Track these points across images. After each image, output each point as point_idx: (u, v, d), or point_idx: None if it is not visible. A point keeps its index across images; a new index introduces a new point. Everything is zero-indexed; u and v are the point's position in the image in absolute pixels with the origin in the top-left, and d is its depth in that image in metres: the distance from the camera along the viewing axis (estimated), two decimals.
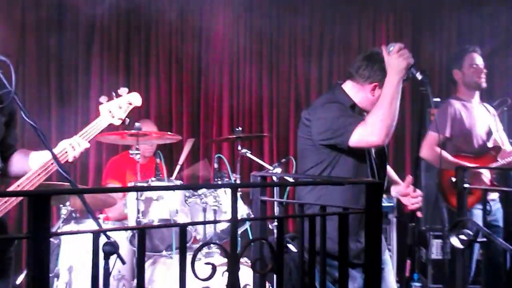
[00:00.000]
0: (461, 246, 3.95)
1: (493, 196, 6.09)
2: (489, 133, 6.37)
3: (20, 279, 5.47)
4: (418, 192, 4.25)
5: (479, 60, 6.37)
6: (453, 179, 6.11)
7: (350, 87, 4.38)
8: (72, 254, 5.56)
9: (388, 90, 4.00)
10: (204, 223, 5.81)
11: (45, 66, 7.60)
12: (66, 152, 3.74)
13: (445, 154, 6.10)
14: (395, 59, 4.04)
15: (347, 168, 4.16)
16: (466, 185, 4.45)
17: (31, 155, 3.83)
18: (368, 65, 4.35)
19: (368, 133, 3.97)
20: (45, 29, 7.60)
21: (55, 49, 7.64)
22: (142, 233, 2.16)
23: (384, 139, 3.97)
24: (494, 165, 6.18)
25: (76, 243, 5.57)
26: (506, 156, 6.23)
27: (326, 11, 8.68)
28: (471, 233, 3.94)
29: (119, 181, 6.82)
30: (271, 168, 6.20)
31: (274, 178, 5.74)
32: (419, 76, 4.03)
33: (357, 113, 4.27)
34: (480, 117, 6.34)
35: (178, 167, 6.66)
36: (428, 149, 6.11)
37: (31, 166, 3.75)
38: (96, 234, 2.09)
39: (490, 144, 6.35)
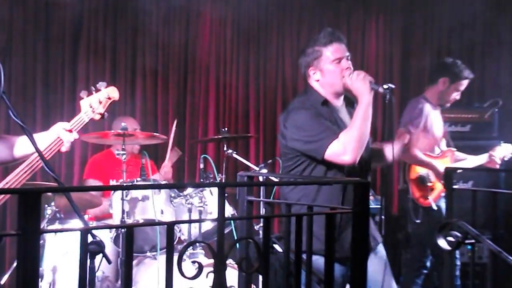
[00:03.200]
0: (448, 248, 4.00)
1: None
2: (442, 137, 6.70)
3: (4, 279, 5.50)
4: None
5: (463, 87, 6.57)
6: (420, 175, 6.39)
7: (314, 82, 4.48)
8: (56, 254, 5.59)
9: (360, 111, 4.20)
10: (192, 221, 5.86)
11: (32, 64, 7.59)
12: (60, 140, 3.79)
13: (423, 156, 6.32)
14: (358, 83, 4.26)
15: (324, 171, 4.27)
16: (455, 186, 4.51)
17: (18, 140, 3.86)
18: (301, 56, 4.57)
19: (341, 152, 4.13)
20: (32, 27, 7.61)
21: (42, 47, 7.64)
22: (129, 232, 2.20)
23: (356, 158, 4.15)
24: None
25: (60, 243, 5.60)
26: (459, 161, 6.64)
27: (315, 12, 8.70)
28: (459, 234, 3.99)
29: (100, 179, 6.83)
30: (257, 168, 6.24)
31: (261, 178, 5.78)
32: (381, 90, 4.28)
33: (330, 105, 4.41)
34: (439, 121, 6.64)
35: (168, 152, 6.69)
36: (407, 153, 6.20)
37: (21, 151, 3.80)
38: (84, 233, 2.13)
39: (443, 147, 6.69)
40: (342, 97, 4.50)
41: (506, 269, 4.77)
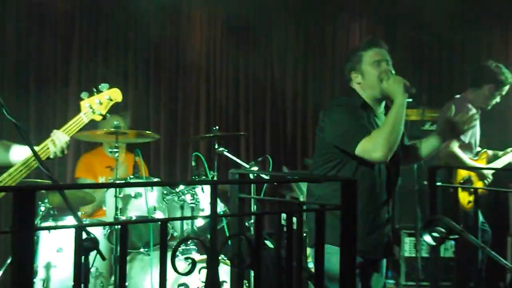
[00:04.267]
0: (433, 243, 4.01)
1: None
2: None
3: None
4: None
5: (505, 92, 6.61)
6: (466, 178, 6.44)
7: (356, 85, 4.56)
8: (50, 251, 5.56)
9: (393, 111, 4.24)
10: (185, 218, 5.85)
11: (25, 63, 7.55)
12: (47, 148, 3.77)
13: (462, 154, 6.34)
14: (394, 85, 4.29)
15: (354, 170, 4.28)
16: (438, 184, 4.52)
17: (13, 148, 3.85)
18: (345, 62, 4.63)
19: (371, 149, 4.16)
20: (25, 26, 7.57)
21: (34, 46, 7.60)
22: (124, 229, 2.18)
23: (386, 156, 4.17)
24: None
25: (54, 240, 5.58)
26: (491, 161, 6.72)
27: (302, 14, 8.71)
28: (443, 230, 4.00)
29: (91, 177, 6.81)
30: (247, 166, 6.24)
31: (251, 176, 5.78)
32: (413, 91, 4.29)
33: (370, 110, 4.46)
34: (477, 123, 6.66)
35: None
36: (449, 151, 6.31)
37: (13, 158, 3.78)
38: (78, 229, 2.11)
39: (477, 148, 6.76)
40: (382, 104, 4.55)
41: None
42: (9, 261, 5.51)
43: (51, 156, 3.82)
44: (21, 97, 7.39)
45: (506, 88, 6.54)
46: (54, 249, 5.57)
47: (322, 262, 2.66)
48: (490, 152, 6.82)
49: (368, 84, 4.44)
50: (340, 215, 2.63)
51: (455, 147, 6.30)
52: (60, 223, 5.67)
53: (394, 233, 7.53)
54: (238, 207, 3.07)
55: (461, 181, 6.52)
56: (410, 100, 4.38)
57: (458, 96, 6.79)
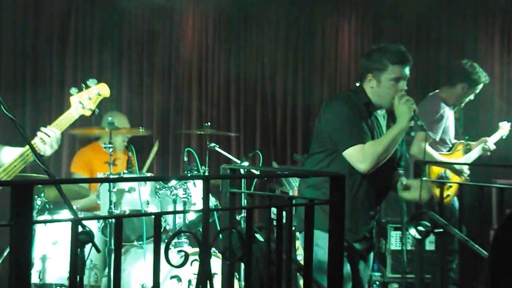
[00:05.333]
0: (419, 237, 4.04)
1: None
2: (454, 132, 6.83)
3: None
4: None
5: (478, 91, 6.73)
6: (440, 174, 6.52)
7: (368, 87, 4.49)
8: (46, 243, 5.58)
9: (394, 132, 4.26)
10: (179, 212, 5.87)
11: (21, 60, 7.54)
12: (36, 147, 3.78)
13: (433, 152, 6.40)
14: (404, 107, 4.27)
15: (344, 163, 4.28)
16: (424, 178, 4.54)
17: (3, 151, 3.85)
18: (364, 57, 4.58)
19: (359, 159, 4.20)
20: (21, 23, 7.55)
21: (30, 43, 7.59)
22: (119, 222, 2.19)
23: (370, 170, 4.21)
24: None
25: (50, 233, 5.59)
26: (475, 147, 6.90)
27: (292, 12, 8.73)
28: (428, 224, 4.03)
29: (87, 172, 6.82)
30: (239, 161, 6.26)
31: (242, 171, 5.80)
32: (419, 123, 4.29)
33: (372, 109, 4.45)
34: (452, 119, 6.76)
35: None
36: (418, 146, 6.32)
37: (3, 160, 3.79)
38: (74, 223, 2.12)
39: (453, 141, 6.83)
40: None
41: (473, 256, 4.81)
42: (6, 253, 5.52)
43: (42, 153, 3.82)
44: (17, 95, 7.38)
45: (479, 87, 6.63)
46: (50, 241, 5.58)
47: (311, 254, 2.67)
48: (464, 142, 6.92)
49: (381, 94, 4.40)
50: (329, 210, 2.64)
51: (425, 145, 6.30)
52: (55, 217, 5.68)
53: (380, 227, 7.64)
54: (230, 202, 3.09)
55: (436, 178, 6.59)
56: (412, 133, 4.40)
57: (431, 93, 6.92)
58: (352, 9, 8.98)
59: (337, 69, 8.89)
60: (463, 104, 6.79)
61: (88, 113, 4.03)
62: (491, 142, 6.96)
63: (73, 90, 4.02)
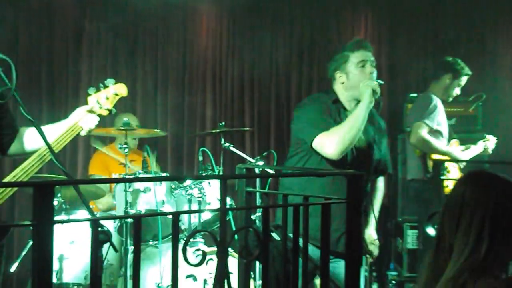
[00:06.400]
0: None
1: None
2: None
3: (14, 267, 5.52)
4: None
5: (463, 83, 6.94)
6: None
7: (339, 85, 4.64)
8: (63, 243, 5.63)
9: (355, 112, 4.32)
10: (196, 211, 5.91)
11: (37, 62, 7.60)
12: (78, 125, 3.82)
13: (432, 139, 6.49)
14: (364, 87, 4.37)
15: (317, 163, 4.36)
16: (442, 177, 4.57)
17: (26, 134, 3.90)
18: (329, 61, 4.79)
19: (325, 144, 4.25)
20: (36, 26, 7.61)
21: (46, 45, 7.65)
22: (137, 222, 2.22)
23: (338, 153, 4.25)
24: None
25: (67, 233, 5.64)
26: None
27: (306, 9, 8.73)
28: None
29: (105, 173, 6.88)
30: (253, 161, 6.28)
31: (257, 170, 5.83)
32: (377, 97, 4.37)
33: (341, 106, 4.55)
34: (444, 115, 6.88)
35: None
36: (416, 135, 6.56)
37: (26, 146, 3.85)
38: (93, 222, 2.15)
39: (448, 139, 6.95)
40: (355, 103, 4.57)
41: None
42: (24, 252, 5.57)
43: (83, 133, 3.88)
44: (33, 97, 7.43)
45: (463, 78, 6.85)
46: (67, 241, 5.65)
47: (327, 253, 2.70)
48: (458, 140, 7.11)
49: (352, 84, 4.51)
50: (346, 208, 2.67)
51: (423, 132, 6.51)
52: (72, 217, 5.73)
53: (396, 225, 7.66)
54: (246, 201, 3.11)
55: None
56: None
57: (421, 93, 7.21)
58: (367, 5, 8.98)
59: None
60: (450, 99, 6.94)
61: (105, 112, 4.05)
62: (492, 141, 7.11)
63: (91, 90, 4.05)
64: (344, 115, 4.49)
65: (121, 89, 4.12)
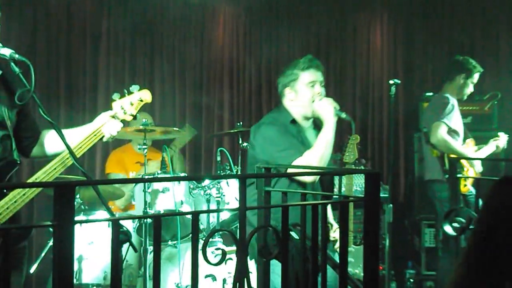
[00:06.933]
0: (454, 234, 4.04)
1: None
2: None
3: (33, 268, 5.54)
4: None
5: (476, 81, 6.97)
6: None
7: (288, 101, 4.73)
8: (82, 244, 5.65)
9: (323, 135, 4.46)
10: (216, 211, 5.92)
11: (55, 65, 7.60)
12: (101, 131, 3.83)
13: (451, 140, 6.51)
14: (324, 108, 4.51)
15: (287, 185, 4.40)
16: (459, 175, 4.57)
17: (47, 137, 3.91)
18: (280, 76, 4.87)
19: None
20: (55, 29, 7.62)
21: (64, 49, 7.66)
22: (157, 222, 2.23)
23: (315, 179, 4.42)
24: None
25: (86, 234, 5.66)
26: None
27: (323, 11, 8.72)
28: (463, 220, 4.03)
29: (122, 171, 6.90)
30: None
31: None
32: (343, 116, 4.56)
33: (298, 125, 4.67)
34: (459, 114, 6.89)
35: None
36: (436, 136, 6.59)
37: (47, 149, 3.87)
38: (114, 222, 2.16)
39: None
40: (311, 120, 4.73)
41: None
42: (43, 253, 5.60)
43: (104, 139, 3.89)
44: (52, 98, 7.45)
45: (476, 76, 6.89)
46: (86, 242, 5.66)
47: (346, 251, 2.70)
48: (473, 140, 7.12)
49: (301, 103, 4.62)
50: (364, 206, 2.66)
51: (443, 132, 6.55)
52: (90, 217, 5.75)
53: (414, 224, 7.66)
54: (265, 200, 3.12)
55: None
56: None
57: (436, 94, 7.20)
58: (383, 6, 8.96)
59: (369, 67, 8.87)
60: (465, 97, 6.98)
61: (129, 118, 4.05)
62: (503, 138, 7.10)
63: (115, 96, 4.05)
64: (304, 134, 4.65)
65: (146, 95, 4.12)
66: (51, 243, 5.69)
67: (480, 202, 6.26)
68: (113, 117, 3.93)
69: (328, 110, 4.47)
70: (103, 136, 3.87)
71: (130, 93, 4.06)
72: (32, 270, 5.50)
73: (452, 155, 6.56)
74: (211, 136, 8.11)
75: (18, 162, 3.59)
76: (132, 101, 4.03)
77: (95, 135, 3.81)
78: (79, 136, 3.75)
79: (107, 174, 7.02)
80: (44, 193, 5.75)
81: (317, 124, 4.71)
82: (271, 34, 8.57)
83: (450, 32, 8.90)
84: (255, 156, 4.60)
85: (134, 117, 4.08)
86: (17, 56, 3.45)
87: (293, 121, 4.65)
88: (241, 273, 2.41)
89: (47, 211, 6.85)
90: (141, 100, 4.07)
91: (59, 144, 3.53)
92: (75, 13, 7.73)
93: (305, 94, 4.60)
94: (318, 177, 4.38)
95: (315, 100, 4.56)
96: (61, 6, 7.66)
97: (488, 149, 6.96)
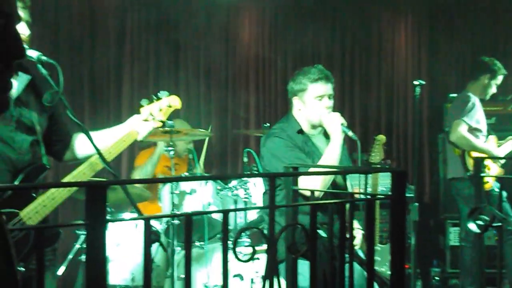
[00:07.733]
0: (478, 231, 4.04)
1: None
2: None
3: (61, 270, 5.58)
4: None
5: (499, 82, 7.06)
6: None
7: (296, 110, 4.73)
8: (109, 245, 5.66)
9: (329, 151, 4.44)
10: (245, 209, 5.92)
11: (78, 69, 7.61)
12: (135, 131, 3.83)
13: (471, 137, 6.58)
14: (332, 123, 4.50)
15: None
16: (482, 175, 4.56)
17: (99, 134, 3.88)
18: (290, 82, 4.83)
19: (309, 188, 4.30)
20: (78, 33, 7.65)
21: (87, 52, 7.68)
22: (188, 220, 2.24)
23: (319, 195, 4.24)
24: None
25: (113, 235, 5.69)
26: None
27: (347, 12, 8.72)
28: (487, 218, 4.03)
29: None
30: None
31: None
32: (350, 133, 4.52)
33: (306, 134, 4.66)
34: (482, 112, 6.94)
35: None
36: (456, 133, 6.66)
37: (78, 152, 3.86)
38: (147, 221, 2.16)
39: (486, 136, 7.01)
40: (319, 128, 4.71)
41: None
42: (70, 256, 5.64)
43: (138, 139, 3.87)
44: (76, 102, 7.46)
45: (500, 77, 6.97)
46: (113, 244, 5.69)
47: (372, 249, 2.70)
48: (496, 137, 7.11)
49: (308, 114, 4.61)
50: (390, 204, 2.66)
51: (463, 130, 6.61)
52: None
53: (438, 223, 7.65)
54: (292, 199, 3.12)
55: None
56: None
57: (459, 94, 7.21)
58: (408, 7, 8.96)
59: (394, 68, 8.87)
60: (488, 97, 7.05)
61: (158, 124, 4.03)
62: None
63: (144, 101, 4.03)
64: (312, 143, 4.64)
65: (175, 101, 4.11)
66: (77, 245, 5.73)
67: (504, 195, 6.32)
68: (144, 120, 3.93)
69: (336, 126, 4.45)
70: (137, 136, 3.86)
71: (158, 98, 4.05)
72: (59, 273, 5.53)
73: (473, 152, 6.56)
74: (238, 132, 8.09)
75: (48, 167, 3.58)
76: (161, 107, 4.01)
77: (128, 136, 3.80)
78: (112, 138, 3.74)
79: (135, 168, 6.99)
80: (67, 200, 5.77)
81: (326, 131, 4.69)
82: (296, 33, 8.57)
83: (474, 34, 8.89)
84: (264, 166, 4.68)
85: (163, 124, 4.06)
86: (44, 58, 3.45)
87: (300, 131, 4.65)
88: (271, 270, 2.41)
89: (73, 216, 6.90)
90: (170, 106, 4.06)
91: (90, 146, 3.52)
92: (98, 13, 7.75)
93: (313, 107, 4.59)
94: (321, 194, 4.33)
95: (323, 114, 4.54)
96: (84, 6, 7.66)
97: (508, 146, 6.98)
